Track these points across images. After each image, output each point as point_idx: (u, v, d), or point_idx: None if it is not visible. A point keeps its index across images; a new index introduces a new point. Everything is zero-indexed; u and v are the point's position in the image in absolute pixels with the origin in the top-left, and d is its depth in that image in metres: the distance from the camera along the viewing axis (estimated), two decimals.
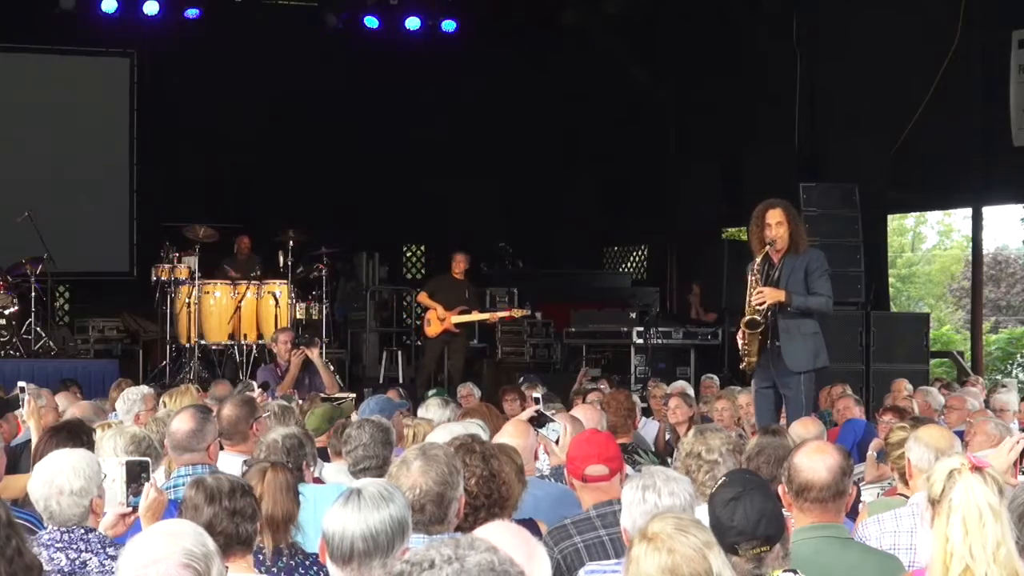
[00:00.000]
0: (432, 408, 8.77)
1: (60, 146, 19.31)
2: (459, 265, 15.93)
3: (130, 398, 8.46)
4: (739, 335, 9.20)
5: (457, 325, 15.71)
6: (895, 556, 4.94)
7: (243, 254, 17.48)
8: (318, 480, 6.21)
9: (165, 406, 8.18)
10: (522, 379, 14.12)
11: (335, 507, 3.86)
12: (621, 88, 21.14)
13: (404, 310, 19.71)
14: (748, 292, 9.12)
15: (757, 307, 9.05)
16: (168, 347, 16.37)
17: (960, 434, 6.91)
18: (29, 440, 7.25)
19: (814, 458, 4.76)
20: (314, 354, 12.17)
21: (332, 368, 16.15)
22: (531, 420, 7.09)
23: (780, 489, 4.71)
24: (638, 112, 21.22)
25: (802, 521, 4.69)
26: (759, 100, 19.14)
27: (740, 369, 9.61)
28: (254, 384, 10.60)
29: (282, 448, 5.94)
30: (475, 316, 15.89)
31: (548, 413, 8.29)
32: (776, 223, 9.11)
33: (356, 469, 6.22)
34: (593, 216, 22.24)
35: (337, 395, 12.26)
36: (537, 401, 8.68)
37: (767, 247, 9.09)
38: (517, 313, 16.62)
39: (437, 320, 15.73)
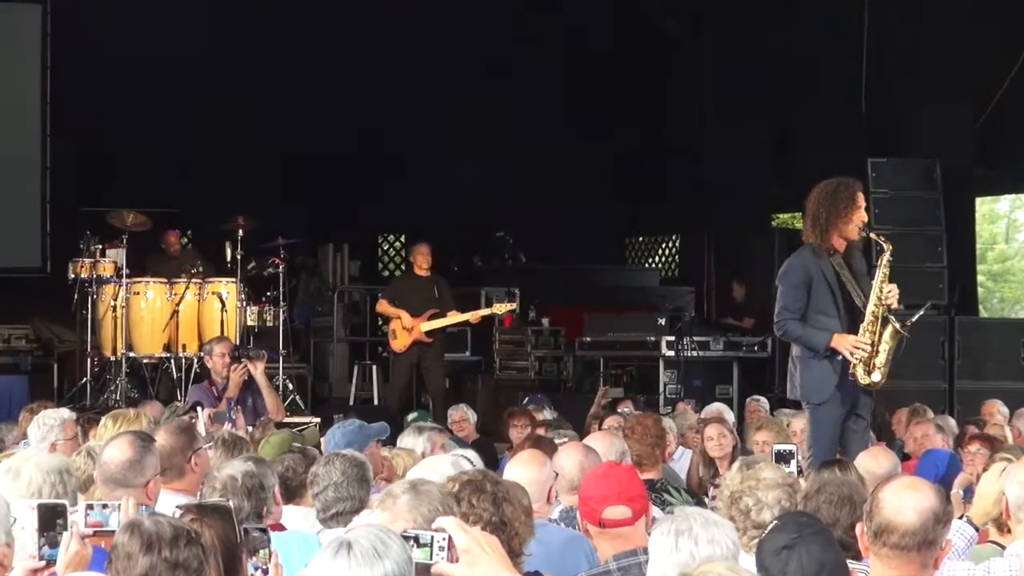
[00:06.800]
0: (406, 437, 8.79)
1: None
2: (422, 259, 15.91)
3: (46, 423, 8.44)
4: (867, 340, 9.23)
5: (429, 333, 15.66)
6: None
7: (172, 252, 17.46)
8: (278, 526, 6.20)
9: (107, 430, 8.14)
10: (527, 400, 14.12)
11: (323, 559, 3.90)
12: (649, 42, 21.14)
13: (380, 315, 19.72)
14: (877, 288, 9.24)
15: (889, 306, 9.26)
16: (89, 360, 16.37)
17: None
18: None
19: (903, 495, 4.76)
20: (258, 370, 12.17)
21: (291, 387, 16.22)
22: None
23: (859, 527, 4.74)
24: (669, 71, 21.21)
25: (879, 571, 4.71)
26: (817, 56, 19.13)
27: (871, 384, 9.52)
28: (199, 411, 10.58)
29: (242, 488, 5.91)
30: (451, 319, 15.80)
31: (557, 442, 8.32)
32: (864, 208, 9.41)
33: (327, 516, 6.21)
34: (613, 199, 22.25)
35: (296, 420, 12.30)
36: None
37: (861, 234, 9.35)
38: (502, 309, 16.54)
39: (403, 330, 15.69)
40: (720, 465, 9.79)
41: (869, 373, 9.22)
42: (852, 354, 9.16)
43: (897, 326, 9.20)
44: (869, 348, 9.19)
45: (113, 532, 5.28)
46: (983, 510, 5.82)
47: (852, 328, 9.25)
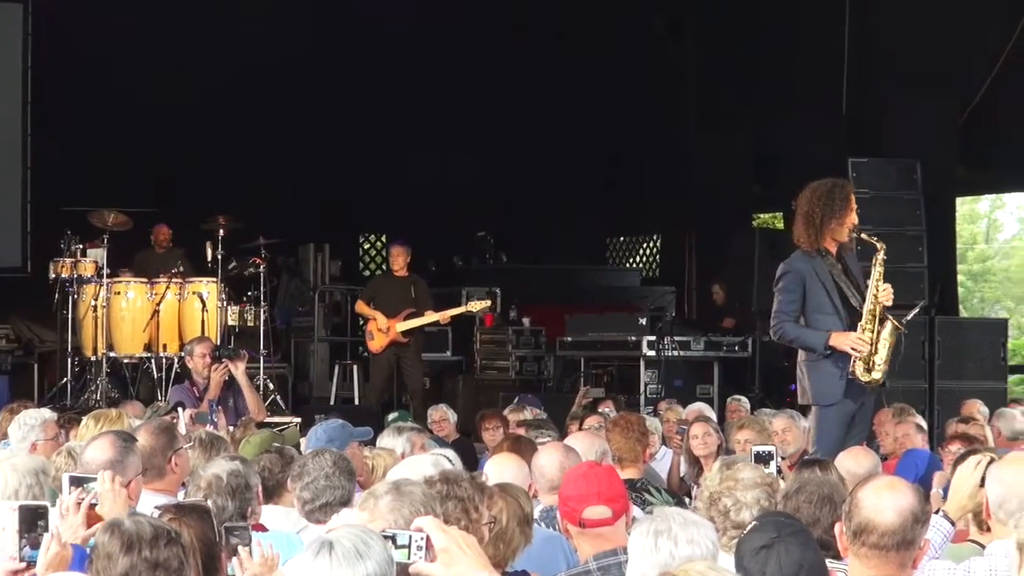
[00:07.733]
0: (385, 438, 8.79)
1: None
2: (398, 259, 15.96)
3: (27, 423, 8.44)
4: (866, 338, 9.28)
5: (405, 333, 15.70)
6: None
7: (161, 247, 17.43)
8: (260, 527, 6.21)
9: (89, 430, 8.14)
10: (517, 400, 14.08)
11: (304, 560, 3.91)
12: (631, 41, 21.13)
13: (360, 315, 19.71)
14: (873, 286, 9.32)
15: (887, 305, 9.34)
16: (70, 360, 16.35)
17: None
18: None
19: (883, 495, 4.79)
20: (239, 370, 12.16)
21: (272, 387, 16.21)
22: None
23: (837, 527, 4.76)
24: (651, 71, 21.21)
25: (857, 570, 4.72)
26: (799, 55, 19.15)
27: (871, 382, 9.55)
28: (180, 411, 10.57)
29: (227, 488, 5.91)
30: (426, 318, 15.84)
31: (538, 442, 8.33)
32: (855, 210, 9.47)
33: (315, 506, 6.23)
34: (594, 199, 22.24)
35: (277, 420, 12.30)
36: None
37: (851, 235, 9.42)
38: (476, 307, 16.55)
39: (379, 332, 15.73)
40: (705, 463, 9.81)
41: (869, 371, 9.29)
42: (853, 351, 9.24)
43: (896, 323, 9.27)
44: (869, 346, 9.26)
45: (95, 505, 5.36)
46: (958, 504, 5.84)
47: (851, 327, 9.33)
